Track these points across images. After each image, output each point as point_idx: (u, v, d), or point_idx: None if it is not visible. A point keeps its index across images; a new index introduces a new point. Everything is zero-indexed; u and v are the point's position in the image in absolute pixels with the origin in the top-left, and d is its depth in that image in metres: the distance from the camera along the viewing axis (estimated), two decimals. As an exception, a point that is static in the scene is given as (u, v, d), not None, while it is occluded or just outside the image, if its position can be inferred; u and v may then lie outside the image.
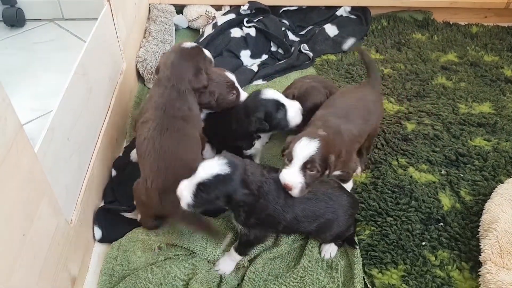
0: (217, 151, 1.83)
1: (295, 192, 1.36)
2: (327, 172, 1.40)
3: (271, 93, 1.67)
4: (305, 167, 1.36)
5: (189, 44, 1.66)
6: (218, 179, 1.24)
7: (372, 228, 1.63)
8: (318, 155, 1.36)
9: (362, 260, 1.53)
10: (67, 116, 1.41)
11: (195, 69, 1.61)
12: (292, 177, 1.35)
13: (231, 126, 1.72)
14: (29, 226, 1.07)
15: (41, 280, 1.14)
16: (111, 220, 1.62)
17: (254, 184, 1.30)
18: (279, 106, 1.65)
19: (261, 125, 1.66)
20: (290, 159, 1.38)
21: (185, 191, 1.25)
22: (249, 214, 1.35)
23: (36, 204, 1.11)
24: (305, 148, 1.36)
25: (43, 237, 1.16)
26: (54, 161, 1.28)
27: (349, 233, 1.57)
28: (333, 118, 1.58)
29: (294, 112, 1.66)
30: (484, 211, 1.61)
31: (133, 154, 1.84)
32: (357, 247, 1.56)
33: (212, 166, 1.26)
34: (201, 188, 1.24)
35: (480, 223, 1.58)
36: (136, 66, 2.35)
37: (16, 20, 2.96)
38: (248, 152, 1.80)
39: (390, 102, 2.29)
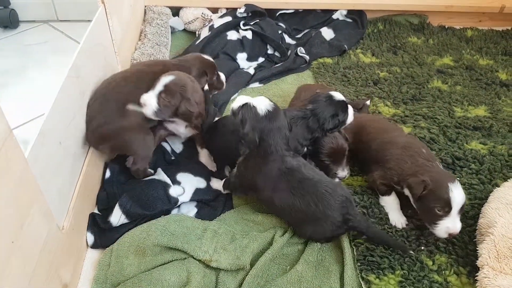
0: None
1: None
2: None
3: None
4: (461, 210, 1.50)
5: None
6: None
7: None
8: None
9: (360, 266, 1.51)
10: (59, 119, 1.38)
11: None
12: (457, 224, 1.50)
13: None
14: (19, 232, 1.04)
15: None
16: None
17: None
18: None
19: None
20: (448, 210, 1.50)
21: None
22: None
23: (26, 210, 1.09)
24: (461, 196, 1.50)
25: (34, 243, 1.13)
26: (46, 166, 1.25)
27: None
28: None
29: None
30: (481, 215, 1.60)
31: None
32: (355, 251, 1.55)
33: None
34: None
35: (477, 227, 1.58)
36: (131, 68, 2.33)
37: (9, 22, 2.94)
38: None
39: (386, 105, 2.29)
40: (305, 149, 1.82)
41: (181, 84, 1.66)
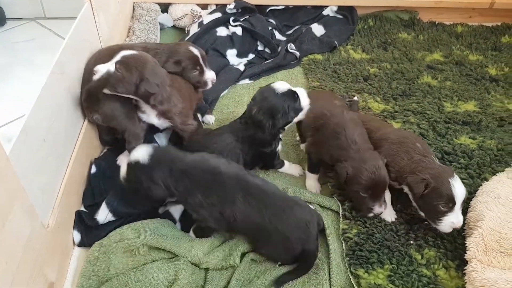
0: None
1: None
2: None
3: (280, 84, 1.71)
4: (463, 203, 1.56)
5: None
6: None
7: (359, 227, 1.62)
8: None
9: (349, 260, 1.51)
10: (43, 116, 1.37)
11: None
12: (461, 218, 1.53)
13: (258, 139, 1.70)
14: (0, 231, 1.02)
15: (14, 287, 1.09)
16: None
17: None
18: (295, 94, 1.69)
19: (288, 118, 1.68)
20: (452, 206, 1.52)
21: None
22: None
23: (8, 208, 1.07)
24: (462, 190, 1.53)
25: (16, 242, 1.11)
26: (29, 163, 1.23)
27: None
28: None
29: (305, 96, 1.73)
30: (469, 209, 1.61)
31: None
32: (344, 246, 1.55)
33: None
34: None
35: (466, 221, 1.58)
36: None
37: (-4, 19, 2.90)
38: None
39: (376, 101, 2.28)
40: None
41: (141, 60, 1.61)
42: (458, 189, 1.50)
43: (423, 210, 1.58)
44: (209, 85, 1.97)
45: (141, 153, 1.41)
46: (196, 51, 1.89)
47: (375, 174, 1.54)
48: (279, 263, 1.50)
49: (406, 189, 1.62)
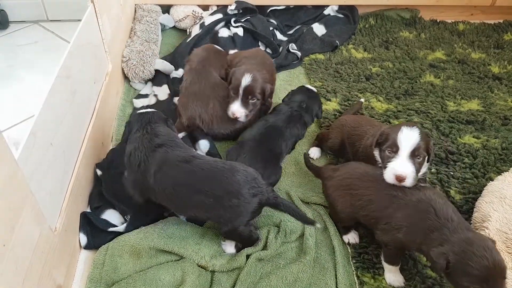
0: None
1: (408, 182, 1.37)
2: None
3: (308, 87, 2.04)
4: (413, 155, 1.38)
5: None
6: None
7: (362, 230, 1.62)
8: (422, 141, 1.39)
9: (355, 263, 1.52)
10: (50, 120, 1.37)
11: None
12: (404, 167, 1.37)
13: (294, 132, 1.87)
14: (10, 235, 1.03)
15: (24, 291, 1.10)
16: (97, 226, 1.57)
17: None
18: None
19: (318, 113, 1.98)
20: (396, 150, 1.40)
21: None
22: None
23: (17, 212, 1.07)
24: (410, 136, 1.39)
25: (25, 246, 1.12)
26: (37, 167, 1.24)
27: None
28: None
29: None
30: (475, 209, 1.61)
31: None
32: (349, 248, 1.55)
33: None
34: None
35: (471, 222, 1.58)
36: (121, 66, 2.31)
37: (-1, 22, 2.90)
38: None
39: (379, 101, 2.29)
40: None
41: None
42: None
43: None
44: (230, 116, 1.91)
45: None
46: (243, 80, 1.84)
47: (488, 260, 1.14)
48: None
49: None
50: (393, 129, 1.45)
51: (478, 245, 1.18)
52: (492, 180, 1.73)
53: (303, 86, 2.04)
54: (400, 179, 1.36)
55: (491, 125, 2.12)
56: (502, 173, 1.74)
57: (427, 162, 1.46)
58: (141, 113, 1.60)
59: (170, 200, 1.46)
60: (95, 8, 1.89)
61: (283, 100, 2.00)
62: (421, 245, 1.30)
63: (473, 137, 2.03)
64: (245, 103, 1.84)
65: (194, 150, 1.68)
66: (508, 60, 2.68)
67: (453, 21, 3.19)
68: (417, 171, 1.40)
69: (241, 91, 1.82)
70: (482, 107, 2.26)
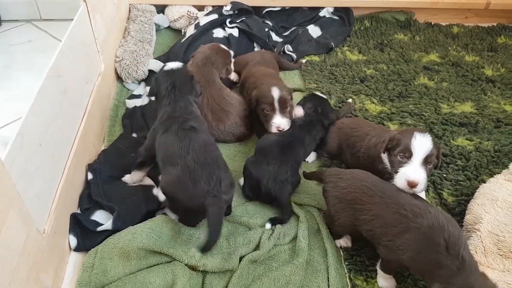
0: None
1: (420, 188, 1.36)
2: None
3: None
4: (426, 161, 1.38)
5: None
6: None
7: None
8: (435, 148, 1.40)
9: (348, 265, 1.51)
10: (39, 120, 1.35)
11: None
12: (417, 173, 1.36)
13: (317, 137, 1.93)
14: (-4, 237, 1.01)
15: (10, 294, 1.08)
16: (87, 227, 1.56)
17: None
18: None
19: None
20: (409, 155, 1.39)
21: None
22: None
23: (4, 214, 1.05)
24: (424, 143, 1.38)
25: (12, 248, 1.10)
26: (24, 168, 1.22)
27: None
28: None
29: None
30: (467, 211, 1.61)
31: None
32: (341, 251, 1.55)
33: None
34: None
35: (463, 224, 1.58)
36: (115, 66, 2.30)
37: (-9, 21, 2.88)
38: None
39: (373, 103, 2.28)
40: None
41: None
42: None
43: None
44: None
45: None
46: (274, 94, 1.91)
47: None
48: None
49: None
50: (404, 135, 1.44)
51: None
52: (484, 182, 1.73)
53: (312, 93, 2.12)
54: (412, 185, 1.36)
55: (484, 128, 2.12)
56: (494, 175, 1.74)
57: (435, 168, 1.47)
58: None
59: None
60: (87, 7, 1.87)
61: None
62: (424, 274, 1.27)
63: (466, 139, 2.03)
64: (283, 113, 1.89)
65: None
66: (501, 63, 2.69)
67: (447, 24, 3.20)
68: (428, 177, 1.40)
69: (276, 105, 1.87)
70: (475, 110, 2.26)
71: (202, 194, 1.40)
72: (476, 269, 1.20)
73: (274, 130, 1.87)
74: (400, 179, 1.38)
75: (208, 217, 1.39)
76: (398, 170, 1.40)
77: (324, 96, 2.06)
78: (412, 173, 1.36)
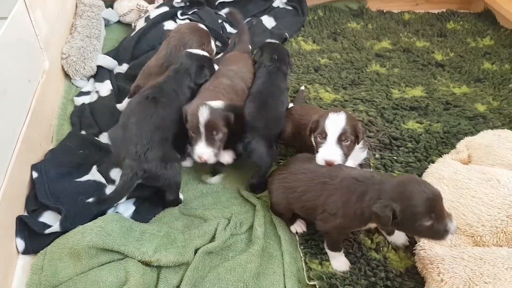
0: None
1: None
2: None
3: None
4: (340, 139, 1.46)
5: None
6: None
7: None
8: (348, 125, 1.46)
9: (303, 249, 1.53)
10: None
11: None
12: (332, 153, 1.45)
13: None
14: None
15: None
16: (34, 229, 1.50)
17: None
18: None
19: None
20: (325, 136, 1.47)
21: None
22: None
23: None
24: (336, 122, 1.46)
25: None
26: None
27: None
28: None
29: None
30: (416, 191, 1.65)
31: None
32: (297, 236, 1.56)
33: None
34: None
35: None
36: (61, 63, 2.22)
37: None
38: None
39: (327, 91, 2.31)
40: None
41: None
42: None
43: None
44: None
45: None
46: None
47: (426, 192, 1.20)
48: None
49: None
50: (322, 116, 1.51)
51: (409, 183, 1.22)
52: (433, 163, 1.79)
53: (266, 41, 2.11)
54: (329, 163, 1.46)
55: (433, 110, 2.19)
56: (442, 155, 1.80)
57: (357, 144, 1.53)
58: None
59: None
60: (25, 3, 1.79)
61: (254, 62, 2.05)
62: (361, 221, 1.33)
63: (416, 122, 2.09)
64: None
65: None
66: (450, 48, 2.79)
67: (399, 11, 3.27)
68: (347, 154, 1.49)
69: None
70: (426, 94, 2.33)
71: (124, 153, 1.52)
72: (390, 175, 1.42)
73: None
74: (319, 159, 1.48)
75: (120, 177, 1.52)
76: (318, 150, 1.50)
77: (277, 42, 2.05)
78: (327, 153, 1.47)
